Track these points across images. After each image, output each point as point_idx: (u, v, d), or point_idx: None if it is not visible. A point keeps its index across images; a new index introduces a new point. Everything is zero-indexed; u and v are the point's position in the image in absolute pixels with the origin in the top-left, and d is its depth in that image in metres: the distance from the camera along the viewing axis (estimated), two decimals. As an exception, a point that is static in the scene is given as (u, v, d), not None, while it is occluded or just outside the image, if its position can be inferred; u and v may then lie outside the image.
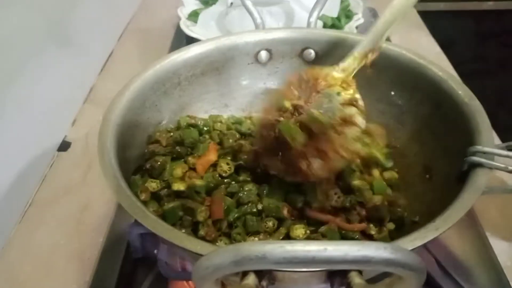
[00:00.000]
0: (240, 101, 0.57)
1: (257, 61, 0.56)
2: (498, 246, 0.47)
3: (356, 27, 0.81)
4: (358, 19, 0.82)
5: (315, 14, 0.59)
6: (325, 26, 0.79)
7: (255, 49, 0.55)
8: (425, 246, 0.45)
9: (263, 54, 0.55)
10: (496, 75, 1.02)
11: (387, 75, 0.52)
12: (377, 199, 0.43)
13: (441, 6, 1.36)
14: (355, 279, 0.28)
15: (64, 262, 0.48)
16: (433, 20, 0.95)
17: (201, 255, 0.31)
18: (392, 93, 0.52)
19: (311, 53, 0.55)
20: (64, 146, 0.64)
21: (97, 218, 0.53)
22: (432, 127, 0.47)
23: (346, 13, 0.84)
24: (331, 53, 0.55)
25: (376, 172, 0.47)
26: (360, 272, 0.28)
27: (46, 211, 0.55)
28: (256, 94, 0.58)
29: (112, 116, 0.43)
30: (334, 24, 0.81)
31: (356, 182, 0.44)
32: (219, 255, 0.23)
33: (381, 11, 0.92)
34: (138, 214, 0.33)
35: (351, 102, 0.42)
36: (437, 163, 0.45)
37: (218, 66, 0.54)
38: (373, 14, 0.96)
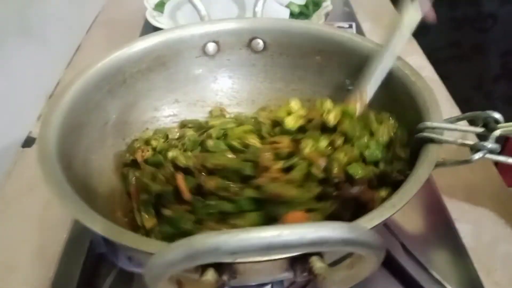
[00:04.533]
0: (192, 96, 0.55)
1: (205, 54, 0.54)
2: (463, 228, 0.47)
3: (325, 15, 0.79)
4: (327, 6, 0.80)
5: (260, 3, 0.59)
6: (292, 14, 0.77)
7: (201, 41, 0.53)
8: (389, 230, 0.46)
9: (211, 47, 0.54)
10: (472, 61, 1.02)
11: (336, 60, 0.52)
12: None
13: (415, -7, 1.37)
14: (317, 263, 0.28)
15: (26, 259, 0.47)
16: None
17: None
18: (341, 77, 0.52)
19: (259, 43, 0.54)
20: (29, 142, 0.62)
21: (60, 214, 0.50)
22: (382, 108, 0.47)
23: (314, 0, 0.82)
24: (279, 42, 0.54)
25: None
26: (321, 256, 0.28)
27: (9, 208, 0.53)
28: (207, 88, 0.56)
29: (53, 119, 0.40)
30: (302, 12, 0.79)
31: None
32: (171, 251, 0.21)
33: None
34: (86, 219, 0.31)
35: None
36: (390, 142, 0.46)
37: (165, 60, 0.52)
38: (344, 1, 0.94)
